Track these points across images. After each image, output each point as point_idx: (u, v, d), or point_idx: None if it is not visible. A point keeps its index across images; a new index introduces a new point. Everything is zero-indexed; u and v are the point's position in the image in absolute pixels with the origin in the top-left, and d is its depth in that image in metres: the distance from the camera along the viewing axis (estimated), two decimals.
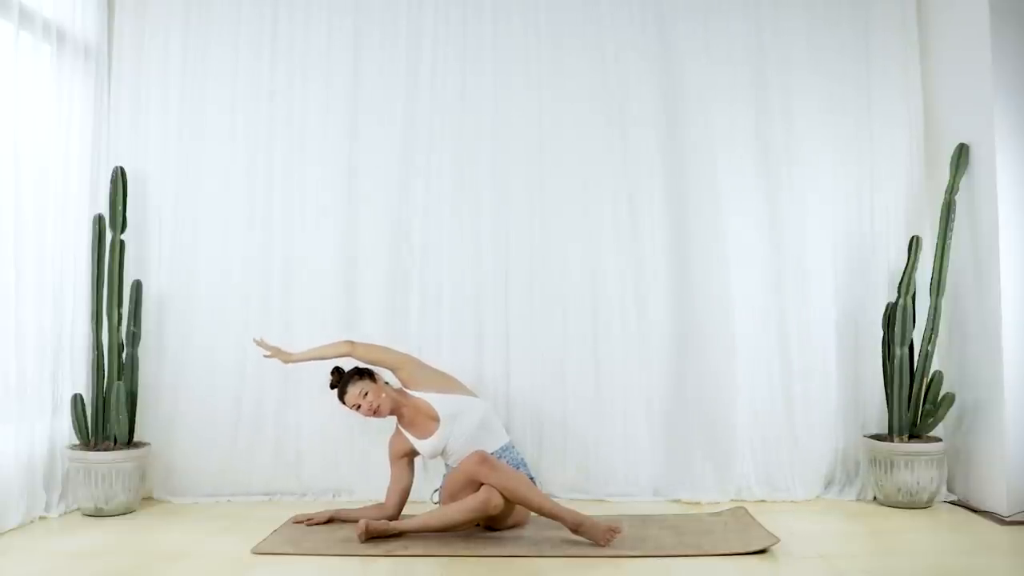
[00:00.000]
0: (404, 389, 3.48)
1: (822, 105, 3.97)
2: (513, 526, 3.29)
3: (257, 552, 3.02)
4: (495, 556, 2.96)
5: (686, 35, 3.98)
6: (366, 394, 3.35)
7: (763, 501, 3.78)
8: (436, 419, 3.37)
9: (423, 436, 3.39)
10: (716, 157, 3.94)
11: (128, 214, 3.82)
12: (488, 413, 3.45)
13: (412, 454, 3.44)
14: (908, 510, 3.61)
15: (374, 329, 3.86)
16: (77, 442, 3.67)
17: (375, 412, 3.35)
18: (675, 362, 3.90)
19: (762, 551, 2.96)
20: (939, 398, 3.67)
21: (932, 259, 3.73)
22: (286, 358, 3.54)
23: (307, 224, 3.97)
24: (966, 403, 3.72)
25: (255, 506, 3.79)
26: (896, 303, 3.76)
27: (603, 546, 3.00)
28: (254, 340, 3.59)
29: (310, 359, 3.54)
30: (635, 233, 3.94)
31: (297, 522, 3.38)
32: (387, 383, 3.48)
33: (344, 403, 3.42)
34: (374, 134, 3.99)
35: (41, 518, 3.48)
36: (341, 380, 3.43)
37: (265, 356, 3.58)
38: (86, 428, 3.63)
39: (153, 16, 4.03)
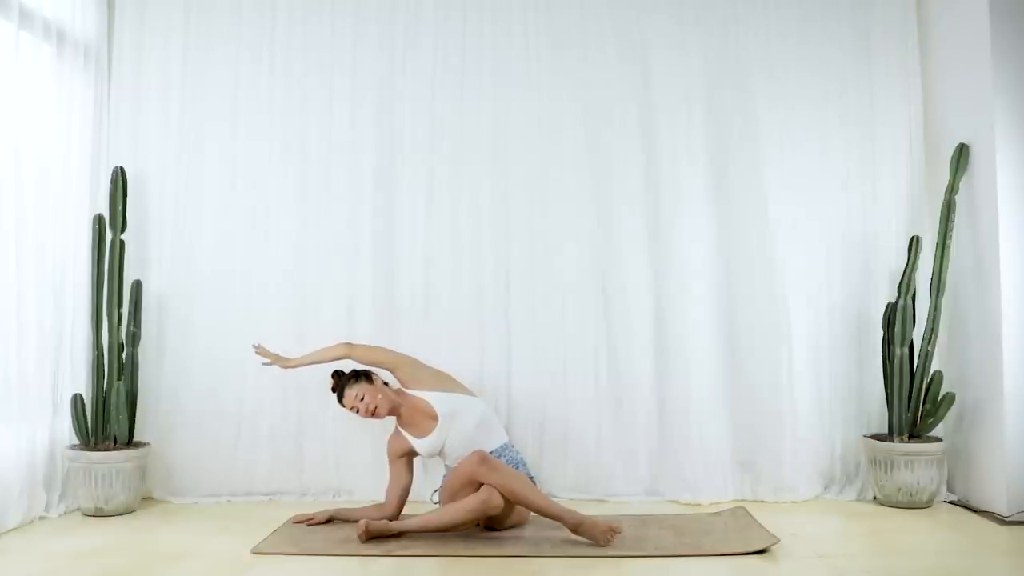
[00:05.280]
0: (403, 389, 3.48)
1: (822, 105, 3.97)
2: (513, 526, 3.29)
3: (257, 552, 3.02)
4: (495, 556, 2.96)
5: (683, 35, 3.97)
6: (363, 397, 3.35)
7: (763, 501, 3.78)
8: (434, 418, 3.37)
9: (421, 435, 3.39)
10: (715, 157, 3.95)
11: (128, 214, 3.83)
12: (487, 412, 3.46)
13: (411, 454, 3.45)
14: (908, 510, 3.61)
15: (374, 330, 3.86)
16: (77, 442, 3.67)
17: (372, 413, 3.35)
18: (674, 362, 3.90)
19: (762, 551, 2.96)
20: (939, 398, 3.67)
21: (932, 259, 3.73)
22: (285, 364, 3.55)
23: (307, 223, 3.97)
24: (966, 403, 3.72)
25: (255, 506, 3.79)
26: (896, 303, 3.76)
27: (603, 546, 3.00)
28: (253, 347, 3.59)
29: (309, 363, 3.55)
30: (635, 234, 3.94)
31: (297, 522, 3.38)
32: (386, 383, 3.48)
33: (343, 405, 3.42)
34: (374, 134, 3.98)
35: (41, 518, 3.48)
36: (341, 381, 3.43)
37: (264, 364, 3.58)
38: (86, 428, 3.63)
39: (153, 16, 4.03)
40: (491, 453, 3.28)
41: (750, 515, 3.43)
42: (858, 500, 3.81)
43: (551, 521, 3.13)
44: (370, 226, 3.96)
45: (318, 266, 3.95)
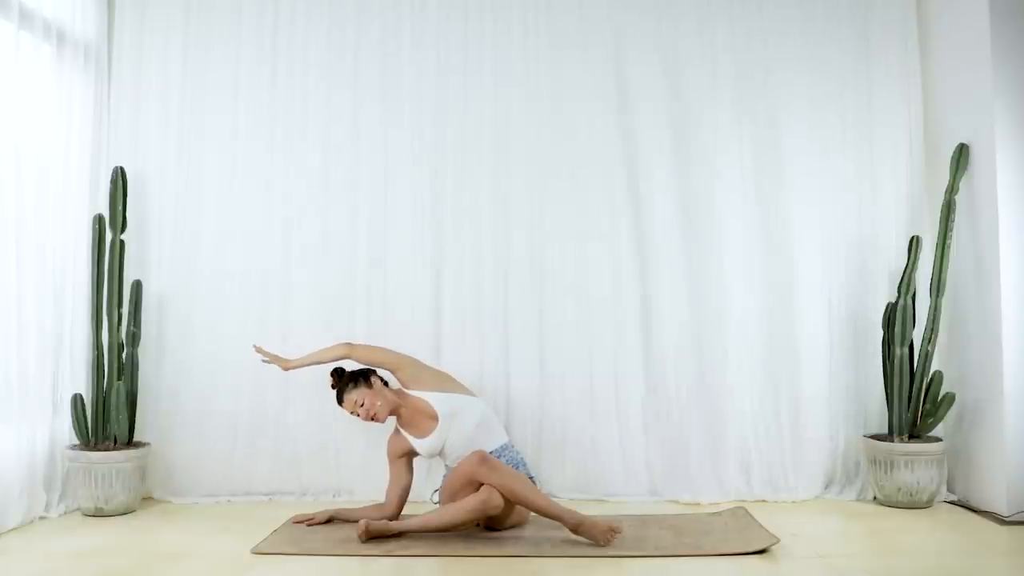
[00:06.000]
0: (403, 389, 3.48)
1: (822, 105, 3.97)
2: (513, 526, 3.29)
3: (257, 552, 3.02)
4: (495, 556, 2.96)
5: (683, 36, 3.97)
6: (362, 402, 3.35)
7: (763, 501, 3.78)
8: (435, 418, 3.37)
9: (422, 435, 3.39)
10: (715, 158, 3.94)
11: (128, 214, 3.82)
12: (487, 412, 3.46)
13: (411, 454, 3.45)
14: (908, 510, 3.61)
15: (373, 330, 3.86)
16: (77, 442, 3.67)
17: (373, 418, 3.35)
18: (675, 362, 3.90)
19: (762, 551, 2.96)
20: (939, 398, 3.67)
21: (932, 259, 3.73)
22: (285, 365, 3.54)
23: (307, 224, 3.97)
24: (966, 403, 3.72)
25: (255, 506, 3.79)
26: (896, 303, 3.76)
27: (603, 546, 3.00)
28: (253, 347, 3.59)
29: (309, 364, 3.53)
30: (635, 234, 3.94)
31: (297, 522, 3.38)
32: (386, 383, 3.48)
33: (342, 407, 3.42)
34: (374, 135, 3.98)
35: (41, 518, 3.48)
36: (340, 383, 3.43)
37: (264, 362, 3.58)
38: (86, 428, 3.63)
39: (153, 16, 4.03)
40: (491, 453, 3.28)
41: (750, 515, 3.43)
42: (858, 500, 3.81)
43: (551, 521, 3.13)
44: (370, 226, 3.96)
45: (318, 266, 3.95)
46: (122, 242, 3.78)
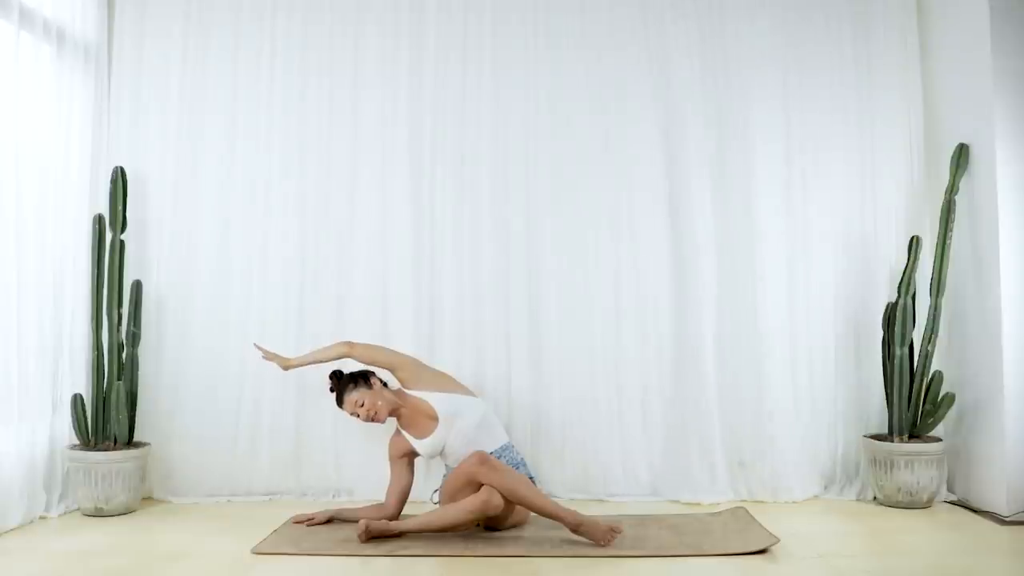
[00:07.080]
0: (403, 390, 3.48)
1: (822, 105, 3.97)
2: (513, 526, 3.29)
3: (257, 552, 3.02)
4: (495, 556, 2.96)
5: (683, 35, 3.97)
6: (363, 403, 3.35)
7: (763, 501, 3.78)
8: (435, 419, 3.37)
9: (422, 436, 3.39)
10: (715, 158, 3.94)
11: (128, 214, 3.82)
12: (487, 413, 3.46)
13: (412, 454, 3.45)
14: (908, 510, 3.61)
15: (373, 330, 3.86)
16: (77, 442, 3.67)
17: (373, 418, 3.35)
18: (675, 362, 3.90)
19: (762, 551, 2.96)
20: (939, 398, 3.67)
21: (932, 259, 3.74)
22: (285, 363, 3.54)
23: (306, 224, 3.97)
24: (966, 403, 3.72)
25: (255, 506, 3.79)
26: (896, 303, 3.76)
27: (603, 546, 3.00)
28: (254, 344, 3.59)
29: (309, 363, 3.54)
30: (635, 234, 3.94)
31: (297, 522, 3.38)
32: (385, 384, 3.48)
33: (343, 409, 3.42)
34: (374, 134, 3.98)
35: (41, 518, 3.48)
36: (339, 385, 3.43)
37: (264, 359, 3.58)
38: (86, 428, 3.63)
39: (153, 16, 4.03)
40: (492, 453, 3.29)
41: (750, 515, 3.43)
42: (858, 500, 3.81)
43: (551, 521, 3.13)
44: (369, 226, 3.96)
45: (317, 266, 3.95)
46: (122, 242, 3.78)
